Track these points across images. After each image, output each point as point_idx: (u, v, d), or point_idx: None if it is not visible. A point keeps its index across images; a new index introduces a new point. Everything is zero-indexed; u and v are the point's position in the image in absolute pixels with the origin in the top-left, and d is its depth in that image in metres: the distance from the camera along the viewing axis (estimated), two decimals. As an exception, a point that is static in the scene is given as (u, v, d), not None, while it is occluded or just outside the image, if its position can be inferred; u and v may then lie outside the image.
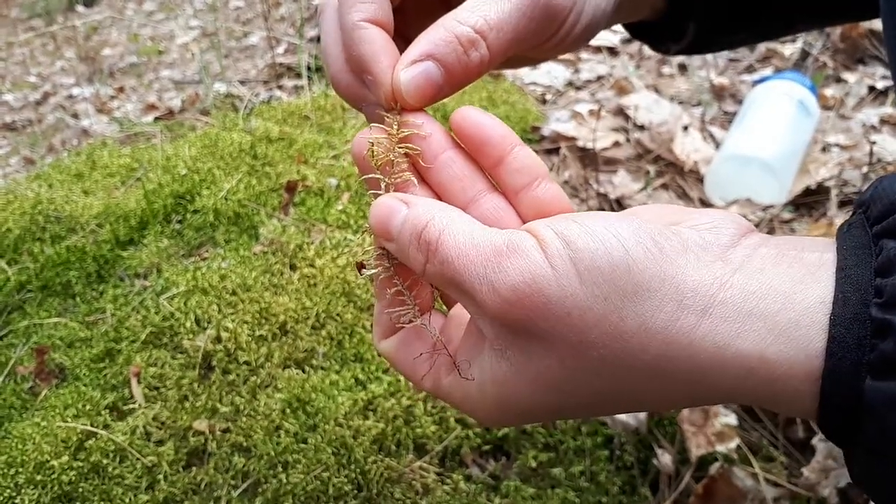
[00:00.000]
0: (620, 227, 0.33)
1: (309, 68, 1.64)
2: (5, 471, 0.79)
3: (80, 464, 0.78)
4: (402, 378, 0.83)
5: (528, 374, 0.35)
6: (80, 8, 4.74)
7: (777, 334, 0.30)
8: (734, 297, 0.31)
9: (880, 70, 1.50)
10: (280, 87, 1.75)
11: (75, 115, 2.64)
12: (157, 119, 1.85)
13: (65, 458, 0.78)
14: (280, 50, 2.16)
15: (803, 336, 0.30)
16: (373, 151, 0.41)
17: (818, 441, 0.83)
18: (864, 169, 1.21)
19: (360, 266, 0.41)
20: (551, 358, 0.33)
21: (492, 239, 0.34)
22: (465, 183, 0.41)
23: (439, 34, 0.40)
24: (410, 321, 0.40)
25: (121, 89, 2.85)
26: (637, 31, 0.63)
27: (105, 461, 0.78)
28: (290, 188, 1.07)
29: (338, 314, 0.89)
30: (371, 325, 0.90)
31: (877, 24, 1.53)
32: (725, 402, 0.34)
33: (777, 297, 0.31)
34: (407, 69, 0.39)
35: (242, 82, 1.92)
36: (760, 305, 0.31)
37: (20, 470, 0.79)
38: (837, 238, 0.33)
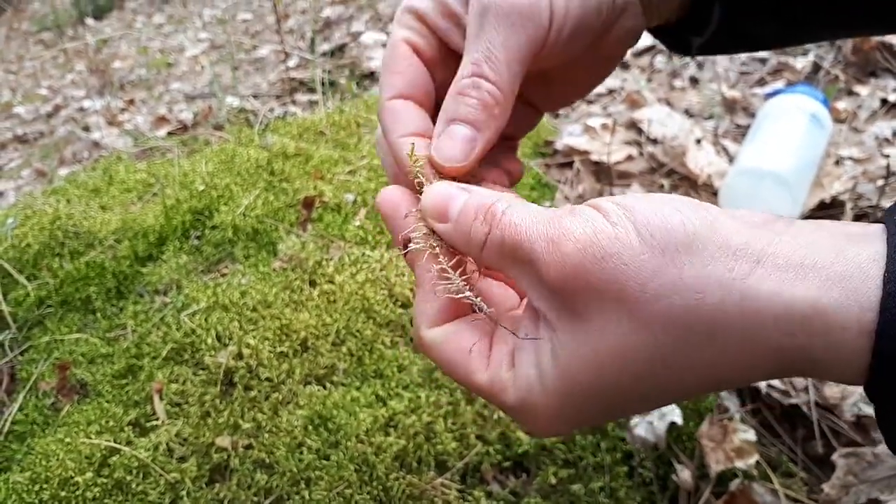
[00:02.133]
0: (673, 197, 0.35)
1: (323, 84, 1.66)
2: (30, 487, 0.80)
3: (104, 480, 0.79)
4: (422, 395, 0.83)
5: (588, 344, 0.34)
6: (89, 21, 4.78)
7: (831, 283, 0.31)
8: (785, 250, 0.32)
9: (892, 83, 1.50)
10: (294, 102, 1.77)
11: (86, 128, 2.66)
12: (170, 133, 1.86)
13: (89, 475, 0.79)
14: (291, 63, 2.18)
15: (857, 288, 0.30)
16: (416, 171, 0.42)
17: (838, 457, 0.83)
18: (879, 182, 1.22)
19: (406, 242, 0.41)
20: (611, 318, 0.34)
21: (555, 210, 0.36)
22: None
23: (447, 101, 0.43)
24: (458, 293, 0.39)
25: (131, 102, 2.87)
26: (656, 28, 0.62)
27: (129, 477, 0.78)
28: (308, 204, 1.08)
29: (357, 330, 0.90)
30: (390, 341, 0.90)
31: (889, 37, 1.54)
32: (776, 370, 0.33)
33: (829, 251, 0.32)
34: (435, 144, 0.43)
35: (255, 96, 1.94)
36: (812, 257, 0.32)
37: (45, 486, 0.79)
38: (885, 218, 0.34)
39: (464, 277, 0.40)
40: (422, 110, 0.47)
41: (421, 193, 0.42)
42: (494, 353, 0.40)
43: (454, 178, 0.43)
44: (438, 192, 0.41)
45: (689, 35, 0.56)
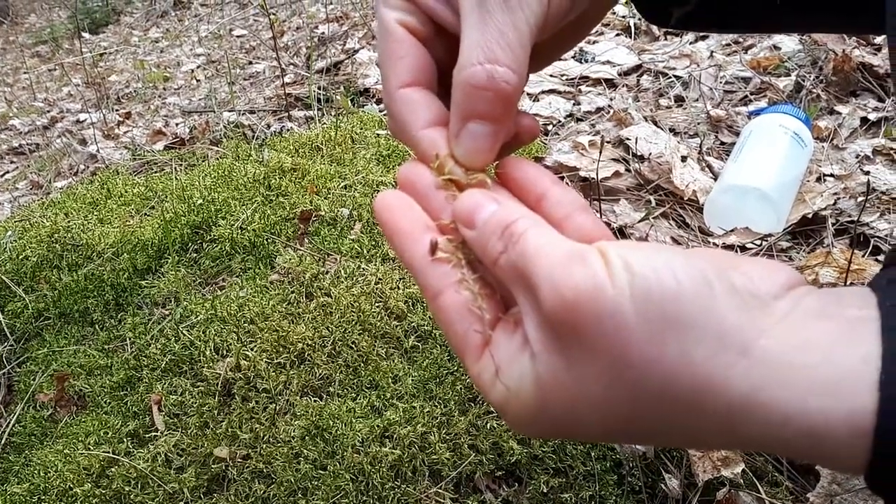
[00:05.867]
0: (677, 261, 0.35)
1: (319, 100, 1.68)
2: (28, 498, 0.81)
3: (103, 491, 0.80)
4: (417, 405, 0.85)
5: (566, 380, 0.36)
6: (86, 35, 4.80)
7: (818, 387, 0.31)
8: (774, 345, 0.32)
9: (872, 102, 1.54)
10: (290, 118, 1.79)
11: (83, 141, 2.67)
12: (167, 147, 1.88)
13: (87, 486, 0.80)
14: (287, 79, 2.21)
15: (847, 391, 0.30)
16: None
17: (822, 467, 0.86)
18: (860, 198, 1.25)
19: (434, 247, 0.42)
20: (590, 368, 0.35)
21: (569, 246, 0.37)
22: None
23: (458, 94, 0.42)
24: (471, 301, 0.41)
25: (128, 115, 2.89)
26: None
27: (127, 488, 0.80)
28: (305, 218, 1.10)
29: (353, 342, 0.92)
30: (385, 352, 0.92)
31: (868, 57, 1.58)
32: (758, 449, 0.34)
33: (817, 351, 0.32)
34: (456, 145, 0.43)
35: (252, 111, 1.96)
36: (800, 358, 0.32)
37: (43, 497, 0.81)
38: (876, 292, 0.34)
39: (482, 289, 0.42)
40: (433, 96, 0.46)
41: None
42: (489, 350, 0.41)
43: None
44: (471, 198, 0.42)
45: (671, 6, 0.55)
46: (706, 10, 0.54)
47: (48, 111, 3.29)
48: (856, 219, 1.20)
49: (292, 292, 0.99)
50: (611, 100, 1.71)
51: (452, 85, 0.43)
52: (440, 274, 0.42)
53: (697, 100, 1.67)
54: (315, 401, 0.87)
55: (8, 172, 2.63)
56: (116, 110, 2.95)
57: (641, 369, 0.33)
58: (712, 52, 1.84)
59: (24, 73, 4.18)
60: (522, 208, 0.42)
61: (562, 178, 1.40)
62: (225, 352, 0.92)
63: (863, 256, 1.15)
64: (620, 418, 0.35)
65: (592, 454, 0.85)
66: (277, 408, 0.86)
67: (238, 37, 3.82)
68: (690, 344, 0.33)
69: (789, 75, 1.66)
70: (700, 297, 0.33)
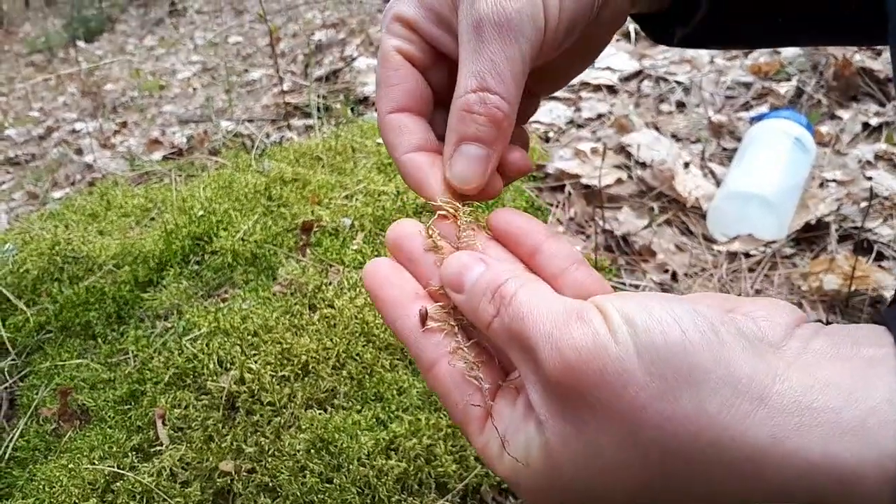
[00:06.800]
0: (678, 309, 0.33)
1: (318, 109, 1.68)
2: (32, 514, 0.80)
3: (108, 506, 0.79)
4: (422, 418, 0.85)
5: (577, 446, 0.34)
6: (80, 44, 4.80)
7: (842, 431, 0.30)
8: (791, 389, 0.31)
9: (873, 107, 1.55)
10: (290, 127, 1.79)
11: (79, 151, 2.66)
12: (166, 158, 1.88)
13: (92, 501, 0.79)
14: (284, 87, 2.21)
15: (873, 435, 0.29)
16: (431, 237, 0.44)
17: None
18: (863, 204, 1.25)
19: (424, 317, 0.41)
20: (601, 432, 0.33)
21: (563, 304, 0.36)
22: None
23: (452, 119, 0.43)
24: (469, 371, 0.40)
25: (124, 124, 2.88)
26: (640, 16, 0.60)
27: (132, 503, 0.79)
28: (307, 228, 1.10)
29: (357, 354, 0.91)
30: (390, 364, 0.92)
31: (869, 62, 1.58)
32: (781, 501, 0.32)
33: (838, 393, 0.30)
34: (449, 167, 0.43)
35: (250, 120, 1.96)
36: (820, 400, 0.30)
37: (47, 513, 0.80)
38: (891, 330, 0.33)
39: (479, 357, 0.41)
40: (422, 121, 0.47)
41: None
42: (491, 421, 0.39)
43: (472, 196, 0.44)
44: (457, 260, 0.41)
45: (673, 25, 0.55)
46: (706, 31, 0.54)
47: (44, 121, 3.29)
48: (860, 225, 1.20)
49: (295, 304, 0.98)
50: (612, 106, 1.71)
51: (450, 113, 0.44)
52: (433, 344, 0.41)
53: (699, 105, 1.67)
54: (320, 413, 0.86)
55: (4, 183, 2.61)
56: (112, 119, 2.95)
57: (655, 428, 0.32)
58: (713, 57, 1.85)
59: (20, 82, 4.17)
60: (512, 267, 0.41)
61: (563, 185, 1.40)
62: (229, 365, 0.91)
63: (866, 263, 1.15)
64: (638, 483, 0.34)
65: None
66: (282, 421, 0.85)
67: (234, 44, 3.82)
68: (704, 396, 0.31)
69: (790, 80, 1.66)
70: (708, 347, 0.32)
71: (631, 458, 0.33)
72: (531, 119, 1.68)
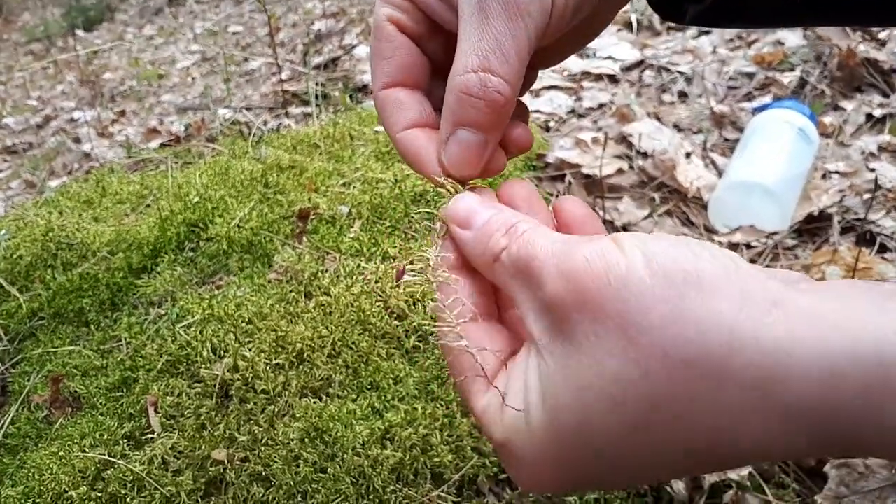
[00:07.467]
0: (697, 242, 0.33)
1: (316, 96, 1.66)
2: (23, 502, 0.79)
3: (99, 494, 0.78)
4: (418, 407, 0.84)
5: (578, 375, 0.32)
6: (80, 32, 4.77)
7: (877, 330, 0.26)
8: (808, 302, 0.29)
9: (877, 98, 1.53)
10: (287, 115, 1.77)
11: (77, 139, 2.65)
12: (163, 145, 1.86)
13: (83, 489, 0.78)
14: (283, 76, 2.19)
15: None
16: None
17: (830, 468, 0.84)
18: (866, 196, 1.24)
19: (401, 273, 0.40)
20: (603, 344, 0.31)
21: (572, 237, 0.36)
22: None
23: (450, 99, 0.41)
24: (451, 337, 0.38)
25: (122, 113, 2.86)
26: None
27: (123, 491, 0.78)
28: (303, 216, 1.08)
29: (353, 342, 0.90)
30: (386, 353, 0.90)
31: (873, 52, 1.56)
32: (806, 443, 0.28)
33: (861, 307, 0.28)
34: (444, 151, 0.42)
35: (248, 108, 1.94)
36: (838, 312, 0.28)
37: (38, 501, 0.79)
38: None
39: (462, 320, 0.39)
40: (418, 95, 0.45)
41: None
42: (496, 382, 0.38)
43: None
44: (467, 201, 0.40)
45: (686, 1, 0.53)
46: (723, 5, 0.52)
47: (42, 109, 3.27)
48: (863, 217, 1.19)
49: (291, 291, 0.97)
50: (613, 95, 1.69)
51: (446, 89, 0.42)
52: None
53: (701, 96, 1.65)
54: (315, 402, 0.85)
55: (1, 172, 2.60)
56: (111, 108, 2.93)
57: (659, 330, 0.29)
58: (715, 47, 1.83)
59: (18, 71, 4.15)
60: (523, 215, 0.40)
61: (563, 175, 1.39)
62: (222, 352, 0.90)
63: (870, 254, 1.13)
64: (643, 412, 0.31)
65: (598, 456, 0.83)
66: (276, 409, 0.84)
67: (234, 33, 3.80)
68: (715, 300, 0.29)
69: (794, 70, 1.64)
70: (719, 265, 0.31)
71: (632, 373, 0.30)
72: (531, 109, 1.66)
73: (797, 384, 0.27)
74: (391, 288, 0.97)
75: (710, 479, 0.84)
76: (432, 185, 0.44)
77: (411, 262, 0.41)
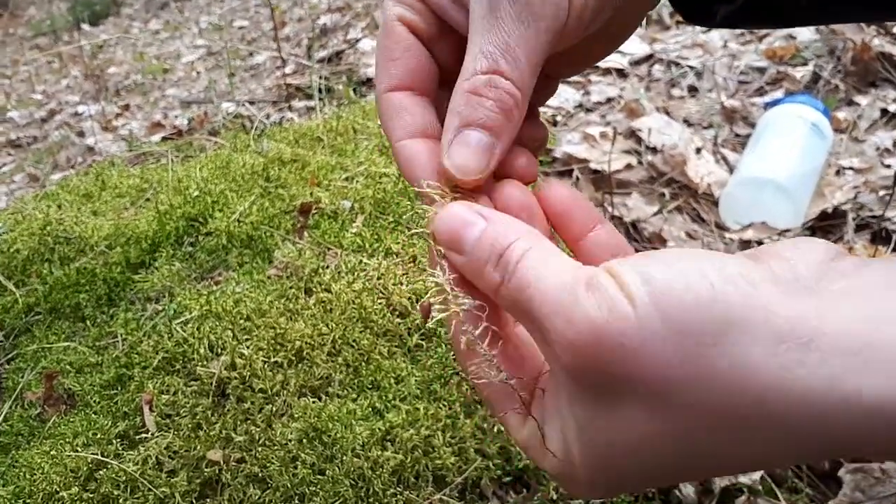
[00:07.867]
0: (702, 262, 0.30)
1: (320, 90, 1.64)
2: (13, 501, 0.77)
3: (91, 495, 0.76)
4: (420, 408, 0.82)
5: (611, 429, 0.31)
6: (85, 27, 4.77)
7: None
8: (842, 327, 0.27)
9: (892, 93, 1.50)
10: (291, 108, 1.75)
11: (80, 133, 2.64)
12: (165, 139, 1.84)
13: (74, 489, 0.77)
14: (287, 70, 2.17)
15: None
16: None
17: (845, 473, 0.82)
18: (881, 192, 1.21)
19: (427, 311, 0.36)
20: (633, 409, 0.30)
21: (573, 272, 0.32)
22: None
23: (456, 100, 0.38)
24: (487, 364, 0.35)
25: (126, 107, 2.85)
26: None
27: (116, 492, 0.76)
28: (305, 211, 1.06)
29: (354, 340, 0.88)
30: (388, 351, 0.88)
31: (889, 46, 1.53)
32: (845, 454, 0.29)
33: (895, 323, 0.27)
34: (447, 155, 0.38)
35: (251, 102, 1.92)
36: (877, 334, 0.27)
37: (28, 501, 0.77)
38: None
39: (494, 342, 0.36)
40: (424, 101, 0.42)
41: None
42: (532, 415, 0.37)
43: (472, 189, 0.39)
44: (452, 216, 0.36)
45: (717, 2, 0.51)
46: (754, 8, 0.49)
47: (46, 104, 3.26)
48: (879, 214, 1.16)
49: (291, 288, 0.95)
50: (622, 90, 1.66)
51: (453, 92, 0.39)
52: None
53: (711, 90, 1.62)
54: (314, 402, 0.82)
55: (5, 165, 2.59)
56: (115, 102, 2.92)
57: (690, 392, 0.28)
58: (726, 41, 1.79)
59: (24, 65, 4.15)
60: (516, 223, 0.36)
61: (571, 170, 1.36)
62: (220, 350, 0.88)
63: (886, 252, 1.10)
64: (674, 459, 0.31)
65: (605, 459, 0.81)
66: (274, 409, 0.82)
67: (239, 28, 3.78)
68: (743, 349, 0.27)
69: (806, 65, 1.61)
70: (740, 297, 0.28)
71: (665, 429, 0.30)
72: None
73: (838, 426, 0.27)
74: (393, 284, 0.94)
75: (720, 483, 0.81)
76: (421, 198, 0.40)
77: (435, 295, 0.37)
